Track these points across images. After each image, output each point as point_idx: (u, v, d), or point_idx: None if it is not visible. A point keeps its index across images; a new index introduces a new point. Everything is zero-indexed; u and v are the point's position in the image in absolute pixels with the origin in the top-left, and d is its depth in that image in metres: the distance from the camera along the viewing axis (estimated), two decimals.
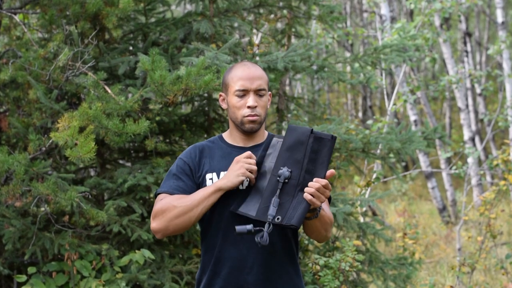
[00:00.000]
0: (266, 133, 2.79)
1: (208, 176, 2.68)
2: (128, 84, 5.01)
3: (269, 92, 2.75)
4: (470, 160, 10.75)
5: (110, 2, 4.89)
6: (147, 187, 4.98)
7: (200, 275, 2.75)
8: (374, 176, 7.04)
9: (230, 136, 2.76)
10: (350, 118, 17.09)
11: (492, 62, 17.36)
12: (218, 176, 2.67)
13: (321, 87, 18.59)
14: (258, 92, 2.67)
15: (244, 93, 2.66)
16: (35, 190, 4.36)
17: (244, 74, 2.67)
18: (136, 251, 4.78)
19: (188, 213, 2.56)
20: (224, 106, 2.75)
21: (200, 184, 2.69)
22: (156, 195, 2.72)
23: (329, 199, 2.74)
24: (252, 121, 2.67)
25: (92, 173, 5.85)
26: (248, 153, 2.60)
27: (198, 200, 2.56)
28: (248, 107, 2.65)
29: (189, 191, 2.66)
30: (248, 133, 2.71)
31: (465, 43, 13.29)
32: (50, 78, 4.81)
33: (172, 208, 2.58)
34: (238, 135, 2.73)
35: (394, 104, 9.08)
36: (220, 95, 2.77)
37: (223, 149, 2.73)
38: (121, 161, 5.59)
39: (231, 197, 2.62)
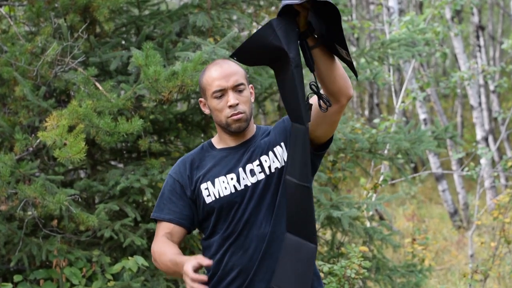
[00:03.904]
0: (255, 126, 2.80)
1: (203, 186, 2.70)
2: (120, 81, 5.01)
3: (250, 85, 2.75)
4: (483, 161, 10.75)
5: None
6: (140, 189, 4.98)
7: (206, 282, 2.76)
8: (382, 178, 7.03)
9: (220, 141, 2.77)
10: (356, 116, 17.09)
11: (507, 57, 17.37)
12: (213, 184, 2.69)
13: None
14: (236, 88, 2.66)
15: (222, 93, 2.66)
16: (21, 193, 4.36)
17: (217, 73, 2.66)
18: (129, 257, 4.78)
19: (170, 273, 2.66)
20: (206, 111, 2.76)
21: (197, 197, 2.71)
22: (153, 218, 2.77)
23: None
24: (238, 120, 2.66)
25: (82, 175, 5.85)
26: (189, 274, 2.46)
27: (172, 269, 2.61)
28: (230, 106, 2.65)
29: (180, 212, 2.71)
30: (237, 133, 2.72)
31: (477, 37, 13.29)
32: (38, 74, 4.81)
33: (158, 263, 2.68)
34: (227, 137, 2.75)
35: (403, 101, 9.08)
36: (200, 101, 2.77)
37: (213, 155, 2.75)
38: (113, 162, 5.59)
39: (234, 204, 2.67)
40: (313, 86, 2.52)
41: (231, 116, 2.66)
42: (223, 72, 2.65)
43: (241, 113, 2.66)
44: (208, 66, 2.75)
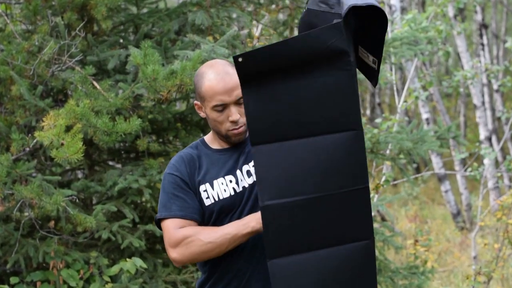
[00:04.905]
0: None
1: (202, 188, 2.68)
2: (118, 80, 5.01)
3: None
4: (486, 161, 10.75)
5: None
6: (139, 190, 4.98)
7: (202, 284, 2.76)
8: (383, 178, 7.03)
9: (214, 141, 2.76)
10: None
11: (510, 56, 17.36)
12: (212, 186, 2.67)
13: None
14: (238, 102, 2.64)
15: (223, 107, 2.64)
16: (18, 194, 4.36)
17: (219, 86, 2.62)
18: (127, 259, 4.78)
19: (217, 249, 2.57)
20: (202, 115, 2.73)
21: (198, 197, 2.69)
22: (158, 220, 2.69)
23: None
24: (239, 134, 2.67)
25: (80, 175, 5.84)
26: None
27: (230, 239, 2.56)
28: (232, 121, 2.64)
29: (190, 206, 2.65)
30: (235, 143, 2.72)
31: (481, 36, 13.29)
32: (35, 73, 4.81)
33: (199, 241, 2.57)
34: (223, 140, 2.73)
35: (405, 101, 9.07)
36: (196, 104, 2.74)
37: (210, 156, 2.73)
38: (110, 163, 5.59)
39: (233, 206, 2.66)
40: None
41: (232, 130, 2.65)
42: (226, 85, 2.62)
43: (241, 126, 2.65)
44: (206, 70, 2.69)
